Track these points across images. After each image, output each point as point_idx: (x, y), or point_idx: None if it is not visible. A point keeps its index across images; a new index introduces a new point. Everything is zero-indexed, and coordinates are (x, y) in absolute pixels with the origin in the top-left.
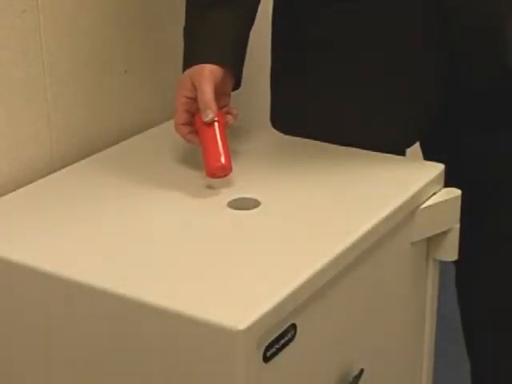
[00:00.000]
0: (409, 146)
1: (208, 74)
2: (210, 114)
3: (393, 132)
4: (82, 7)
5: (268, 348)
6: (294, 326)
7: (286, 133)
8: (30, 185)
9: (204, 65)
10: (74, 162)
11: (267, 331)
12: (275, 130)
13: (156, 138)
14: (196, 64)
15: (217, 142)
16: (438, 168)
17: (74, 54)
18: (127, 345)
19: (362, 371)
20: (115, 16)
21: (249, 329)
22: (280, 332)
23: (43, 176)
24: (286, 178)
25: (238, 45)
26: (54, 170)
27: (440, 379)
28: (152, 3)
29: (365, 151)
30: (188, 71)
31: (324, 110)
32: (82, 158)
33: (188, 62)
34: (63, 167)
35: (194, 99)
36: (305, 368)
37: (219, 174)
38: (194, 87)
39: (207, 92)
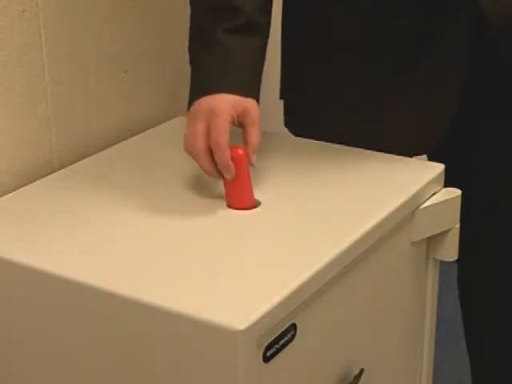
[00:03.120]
0: (421, 154)
1: (226, 116)
2: (227, 176)
3: (406, 138)
4: (82, 7)
5: (268, 348)
6: (294, 326)
7: (298, 134)
8: (30, 185)
9: (224, 101)
10: (74, 162)
11: (267, 331)
12: (275, 131)
13: (156, 138)
14: (216, 92)
15: (242, 180)
16: (438, 168)
17: (74, 54)
18: (127, 345)
19: (361, 371)
20: (115, 16)
21: (249, 329)
22: (280, 332)
23: (43, 176)
24: (286, 178)
25: (260, 73)
26: (54, 170)
27: (440, 378)
28: (152, 3)
29: (365, 151)
30: (206, 101)
31: (339, 112)
32: (82, 158)
33: (205, 90)
34: (63, 167)
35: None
36: (305, 368)
37: (243, 209)
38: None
39: (224, 149)
